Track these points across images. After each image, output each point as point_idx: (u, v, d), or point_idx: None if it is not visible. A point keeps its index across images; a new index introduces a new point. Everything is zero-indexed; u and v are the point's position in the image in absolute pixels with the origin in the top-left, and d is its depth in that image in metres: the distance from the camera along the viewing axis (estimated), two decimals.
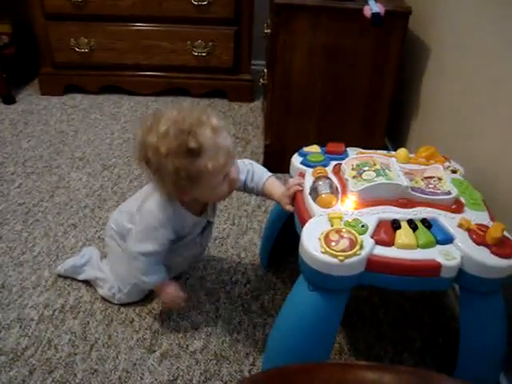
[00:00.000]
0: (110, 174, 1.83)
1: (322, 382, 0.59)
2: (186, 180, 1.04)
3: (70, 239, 1.51)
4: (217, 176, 1.06)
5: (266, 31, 1.92)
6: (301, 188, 1.10)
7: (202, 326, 1.25)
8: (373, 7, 1.54)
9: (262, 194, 1.22)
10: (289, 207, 1.13)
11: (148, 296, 1.32)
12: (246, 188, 1.22)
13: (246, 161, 1.22)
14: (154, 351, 1.18)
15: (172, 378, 1.13)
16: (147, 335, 1.22)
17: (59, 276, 1.37)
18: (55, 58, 2.31)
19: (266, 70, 1.98)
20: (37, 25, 2.24)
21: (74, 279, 1.36)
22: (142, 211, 1.17)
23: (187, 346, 1.20)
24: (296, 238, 0.98)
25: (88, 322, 1.24)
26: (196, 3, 2.18)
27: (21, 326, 1.23)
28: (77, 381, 1.11)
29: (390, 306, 1.33)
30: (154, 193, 1.14)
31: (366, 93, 1.74)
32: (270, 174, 1.22)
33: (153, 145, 1.03)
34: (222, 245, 1.51)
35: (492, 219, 1.02)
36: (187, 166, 1.02)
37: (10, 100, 2.29)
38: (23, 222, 1.57)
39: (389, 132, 1.87)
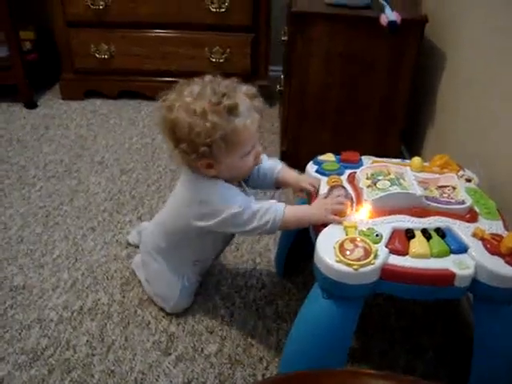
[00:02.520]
0: (128, 179, 1.86)
1: None
2: (221, 142, 1.02)
3: (89, 242, 1.54)
4: (249, 141, 1.07)
5: (283, 38, 1.94)
6: (313, 189, 1.14)
7: (217, 330, 1.27)
8: (389, 16, 1.55)
9: (276, 183, 1.23)
10: (299, 193, 1.17)
11: None
12: (256, 180, 1.23)
13: None
14: (170, 354, 1.20)
15: (187, 381, 1.14)
16: (163, 338, 1.24)
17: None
18: (76, 64, 2.36)
19: (282, 77, 2.00)
20: (58, 32, 2.29)
21: (93, 282, 1.39)
22: (201, 197, 1.10)
23: (202, 349, 1.22)
24: (311, 246, 0.99)
25: (105, 324, 1.27)
26: (214, 10, 2.21)
27: (41, 327, 1.26)
28: (94, 381, 1.13)
29: (403, 313, 1.33)
30: (196, 182, 1.12)
31: (382, 100, 1.75)
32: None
33: (187, 106, 1.02)
34: (238, 250, 1.53)
35: (506, 229, 1.02)
36: (224, 125, 1.01)
37: (32, 105, 2.35)
38: (43, 225, 1.61)
39: (404, 139, 1.88)
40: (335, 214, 1.02)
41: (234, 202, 1.07)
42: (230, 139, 1.03)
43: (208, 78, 1.08)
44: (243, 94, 1.06)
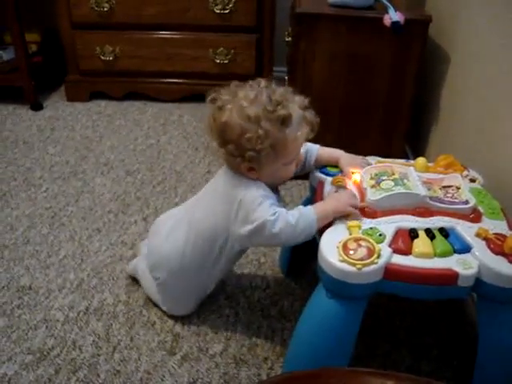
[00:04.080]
0: (133, 180, 1.87)
1: None
2: (269, 150, 1.03)
3: (95, 243, 1.55)
4: (295, 151, 1.09)
5: (287, 39, 1.95)
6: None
7: (222, 330, 1.28)
8: (392, 16, 1.56)
9: (318, 162, 1.22)
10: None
11: None
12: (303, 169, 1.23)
13: None
14: (175, 354, 1.21)
15: (192, 381, 1.15)
16: (168, 338, 1.25)
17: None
18: (81, 66, 2.37)
19: (286, 78, 2.00)
20: (64, 34, 2.31)
21: (98, 282, 1.40)
22: (240, 196, 1.08)
23: (207, 349, 1.23)
24: (316, 246, 0.99)
25: (111, 324, 1.28)
26: (218, 11, 2.22)
27: (47, 327, 1.27)
28: (100, 381, 1.14)
29: (407, 313, 1.34)
30: (237, 180, 1.11)
31: (386, 101, 1.75)
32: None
33: (241, 110, 1.03)
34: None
35: (511, 229, 1.02)
36: (275, 134, 1.02)
37: (37, 107, 2.36)
38: (49, 226, 1.62)
39: (409, 140, 1.88)
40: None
41: (269, 208, 1.06)
42: (278, 148, 1.04)
43: (263, 83, 1.08)
44: (296, 105, 1.06)
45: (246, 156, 1.04)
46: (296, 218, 1.04)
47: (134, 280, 1.40)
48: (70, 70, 2.40)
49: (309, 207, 1.07)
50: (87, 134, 2.19)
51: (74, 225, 1.63)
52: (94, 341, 1.24)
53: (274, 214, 1.04)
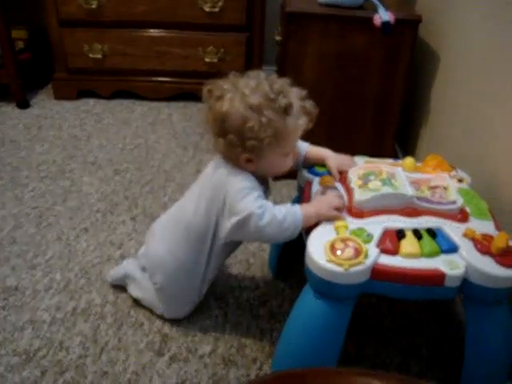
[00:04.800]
0: (121, 179, 1.86)
1: None
2: (271, 138, 1.02)
3: (82, 243, 1.53)
4: (294, 141, 1.10)
5: (276, 38, 1.94)
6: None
7: (211, 331, 1.27)
8: (382, 16, 1.55)
9: (306, 160, 1.22)
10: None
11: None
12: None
13: None
14: (163, 354, 1.20)
15: (180, 382, 1.14)
16: (156, 339, 1.24)
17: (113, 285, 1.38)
18: (69, 64, 2.35)
19: None
20: (51, 31, 2.29)
21: (86, 283, 1.39)
22: (227, 187, 1.08)
23: (196, 349, 1.22)
24: (304, 246, 0.99)
25: (99, 325, 1.27)
26: (208, 10, 2.21)
27: (33, 328, 1.25)
28: (87, 382, 1.13)
29: (397, 313, 1.34)
30: (229, 172, 1.09)
31: (376, 100, 1.75)
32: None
33: (242, 98, 1.02)
34: None
35: (498, 229, 1.03)
36: (277, 123, 1.02)
37: (24, 104, 2.34)
38: (36, 226, 1.60)
39: (399, 139, 1.88)
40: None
41: (255, 200, 1.05)
42: (279, 137, 1.03)
43: (262, 74, 1.08)
44: (297, 94, 1.07)
45: (247, 145, 1.03)
46: (283, 214, 1.03)
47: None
48: (57, 67, 2.38)
49: (296, 205, 1.06)
50: (75, 132, 2.17)
51: (62, 224, 1.61)
52: (81, 342, 1.23)
53: (261, 206, 1.03)
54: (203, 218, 1.13)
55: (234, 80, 1.07)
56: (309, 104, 1.08)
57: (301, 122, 1.06)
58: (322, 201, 1.05)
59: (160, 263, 1.22)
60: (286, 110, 1.02)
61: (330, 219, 1.02)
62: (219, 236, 1.14)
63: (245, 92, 1.03)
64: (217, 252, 1.18)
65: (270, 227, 1.03)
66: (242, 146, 1.04)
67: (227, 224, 1.08)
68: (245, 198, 1.05)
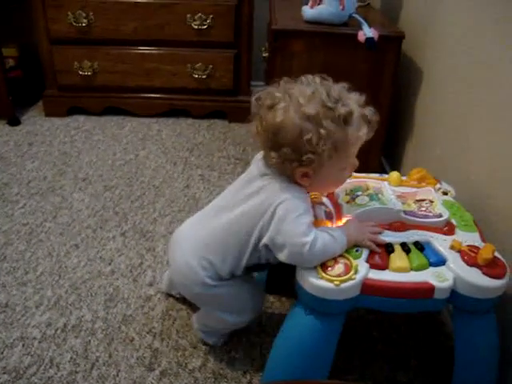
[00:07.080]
0: (111, 195, 1.86)
1: None
2: (331, 151, 0.93)
3: (73, 259, 1.53)
4: (355, 152, 1.00)
5: (264, 55, 1.97)
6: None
7: (201, 345, 1.27)
8: (366, 32, 1.59)
9: None
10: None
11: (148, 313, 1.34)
12: None
13: None
14: (154, 369, 1.20)
15: None
16: (147, 354, 1.24)
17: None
18: (59, 81, 2.37)
19: None
20: (42, 49, 2.31)
21: (76, 298, 1.39)
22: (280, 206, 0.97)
23: (186, 364, 1.22)
24: None
25: (89, 341, 1.27)
26: (196, 27, 2.24)
27: (23, 345, 1.25)
28: None
29: (385, 324, 1.35)
30: (282, 190, 0.98)
31: None
32: None
33: (297, 108, 0.92)
34: None
35: (483, 240, 1.05)
36: (337, 134, 0.92)
37: (15, 122, 2.34)
38: (27, 242, 1.60)
39: (385, 152, 1.91)
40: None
41: (307, 226, 0.96)
42: (339, 149, 0.94)
43: (317, 78, 0.98)
44: (355, 102, 0.97)
45: (304, 159, 0.94)
46: (332, 243, 0.96)
47: (113, 296, 1.39)
48: (48, 84, 2.40)
49: (341, 232, 0.99)
50: (65, 149, 2.17)
51: (52, 241, 1.61)
52: (71, 358, 1.22)
53: (310, 233, 0.95)
54: (247, 229, 1.03)
55: (286, 87, 0.97)
56: (369, 111, 0.98)
57: (361, 133, 0.96)
58: (358, 229, 1.00)
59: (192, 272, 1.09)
60: (346, 120, 0.93)
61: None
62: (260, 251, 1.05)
63: (300, 101, 0.93)
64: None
65: (318, 256, 0.96)
66: (298, 160, 0.94)
67: (280, 256, 0.99)
68: (297, 223, 0.95)
